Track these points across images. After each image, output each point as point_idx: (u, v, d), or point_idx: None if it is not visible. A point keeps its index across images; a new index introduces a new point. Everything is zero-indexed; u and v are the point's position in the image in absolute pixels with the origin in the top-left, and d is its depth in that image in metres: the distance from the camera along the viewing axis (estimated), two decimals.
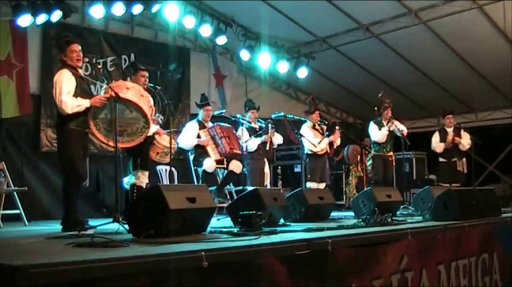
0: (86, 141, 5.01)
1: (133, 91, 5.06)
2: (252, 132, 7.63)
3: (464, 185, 8.18)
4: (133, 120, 4.99)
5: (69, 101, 4.69)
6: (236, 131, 7.58)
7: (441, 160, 8.88)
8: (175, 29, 9.35)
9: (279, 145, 8.24)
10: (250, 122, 7.72)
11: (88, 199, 7.63)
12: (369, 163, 10.06)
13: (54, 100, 4.75)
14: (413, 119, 11.85)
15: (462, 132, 8.84)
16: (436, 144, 8.81)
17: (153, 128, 5.68)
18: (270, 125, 7.71)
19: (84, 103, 4.77)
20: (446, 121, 8.90)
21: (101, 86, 5.22)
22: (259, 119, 7.87)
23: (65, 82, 4.70)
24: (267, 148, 7.74)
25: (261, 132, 7.65)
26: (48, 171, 7.86)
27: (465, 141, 8.72)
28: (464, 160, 8.82)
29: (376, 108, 8.36)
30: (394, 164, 8.50)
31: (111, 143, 4.86)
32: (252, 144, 7.51)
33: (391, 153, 8.38)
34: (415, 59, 9.96)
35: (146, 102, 5.17)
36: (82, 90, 4.86)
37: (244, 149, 7.40)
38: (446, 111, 8.98)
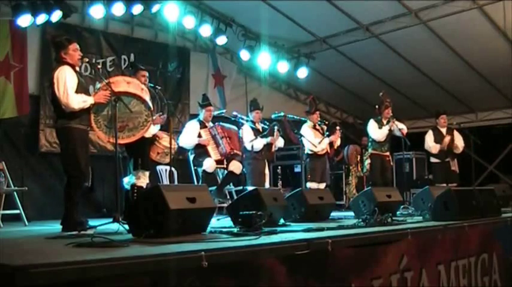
0: (87, 140, 5.00)
1: (133, 85, 5.09)
2: (256, 132, 7.62)
3: (460, 185, 8.17)
4: (135, 115, 4.98)
5: (76, 97, 4.67)
6: (238, 131, 7.56)
7: (434, 160, 8.83)
8: (175, 29, 9.33)
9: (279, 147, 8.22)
10: (253, 123, 7.71)
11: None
12: (366, 161, 10.05)
13: (58, 97, 4.64)
14: (413, 119, 11.84)
15: (455, 133, 8.81)
16: (432, 145, 8.73)
17: (154, 129, 5.68)
18: (275, 127, 7.69)
19: (88, 100, 4.76)
20: (441, 121, 8.84)
21: (98, 83, 5.20)
22: (263, 121, 7.85)
23: (68, 78, 4.67)
24: (272, 149, 7.72)
25: (266, 133, 7.64)
26: (47, 171, 7.86)
27: (460, 143, 8.69)
28: (456, 160, 8.81)
29: (376, 107, 8.35)
30: (391, 163, 8.47)
31: (112, 140, 4.85)
32: (257, 144, 7.48)
33: (388, 153, 8.36)
34: (415, 59, 9.96)
35: (147, 95, 5.21)
36: (82, 88, 4.86)
37: (250, 148, 7.39)
38: (440, 111, 8.94)
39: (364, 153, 10.20)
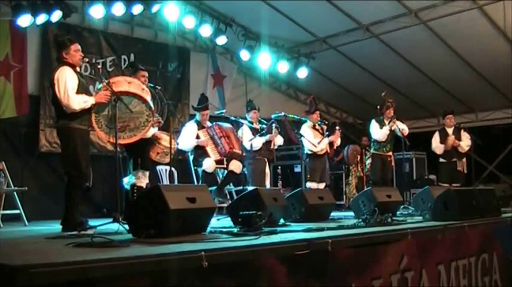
0: (88, 140, 5.01)
1: (134, 85, 5.09)
2: (254, 132, 7.62)
3: (464, 185, 8.17)
4: (136, 115, 4.97)
5: (77, 98, 4.67)
6: (237, 131, 7.56)
7: (441, 160, 8.87)
8: (175, 29, 9.34)
9: (279, 146, 8.23)
10: (251, 123, 7.71)
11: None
12: (367, 161, 10.06)
13: (59, 98, 4.64)
14: (414, 119, 11.84)
15: (462, 132, 8.80)
16: (436, 145, 8.78)
17: (152, 130, 5.68)
18: (274, 125, 7.70)
19: (89, 100, 4.76)
20: (447, 121, 8.88)
21: (99, 83, 5.20)
22: (261, 120, 7.86)
23: (68, 79, 4.67)
24: (271, 147, 7.73)
25: (264, 131, 7.64)
26: (47, 171, 7.86)
27: (464, 143, 8.68)
28: (464, 160, 8.81)
29: (378, 107, 8.36)
30: (393, 164, 8.49)
31: (112, 140, 4.85)
32: (256, 142, 7.48)
33: (390, 153, 8.35)
34: (415, 59, 9.96)
35: (148, 95, 5.21)
36: (83, 88, 4.86)
37: (249, 147, 7.39)
38: (447, 111, 8.97)
39: (366, 153, 10.21)
